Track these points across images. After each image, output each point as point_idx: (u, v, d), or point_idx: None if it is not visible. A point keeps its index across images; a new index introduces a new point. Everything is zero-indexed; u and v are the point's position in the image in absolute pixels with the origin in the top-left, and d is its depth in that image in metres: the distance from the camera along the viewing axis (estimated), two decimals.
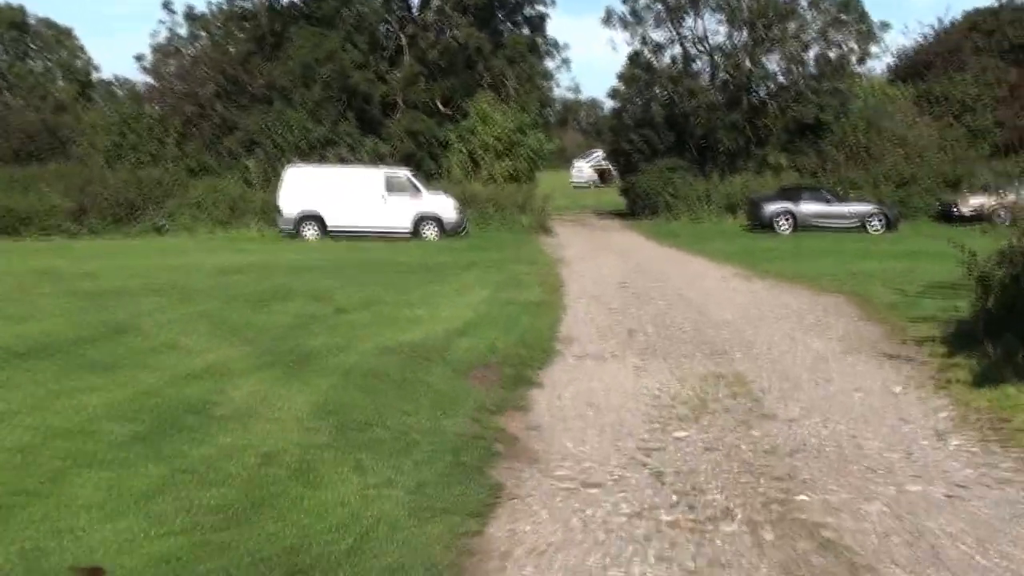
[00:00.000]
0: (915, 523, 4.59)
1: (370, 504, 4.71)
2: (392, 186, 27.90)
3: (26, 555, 4.03)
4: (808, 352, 9.20)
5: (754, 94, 40.79)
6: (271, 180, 30.82)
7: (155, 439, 5.73)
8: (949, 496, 4.94)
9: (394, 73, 38.39)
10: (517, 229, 31.07)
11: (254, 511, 4.57)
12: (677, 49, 41.79)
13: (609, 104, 48.30)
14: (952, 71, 39.49)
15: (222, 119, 39.39)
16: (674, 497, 4.99)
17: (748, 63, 39.61)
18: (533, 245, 25.91)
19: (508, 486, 5.10)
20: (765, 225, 29.73)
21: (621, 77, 43.86)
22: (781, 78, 40.26)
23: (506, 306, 12.46)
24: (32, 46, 70.25)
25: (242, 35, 41.12)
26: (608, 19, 41.66)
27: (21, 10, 65.86)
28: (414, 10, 39.96)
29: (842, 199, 30.61)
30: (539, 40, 41.38)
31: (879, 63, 52.93)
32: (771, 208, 29.90)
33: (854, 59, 39.07)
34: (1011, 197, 25.91)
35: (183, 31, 42.51)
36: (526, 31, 41.15)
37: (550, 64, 42.60)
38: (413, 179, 28.42)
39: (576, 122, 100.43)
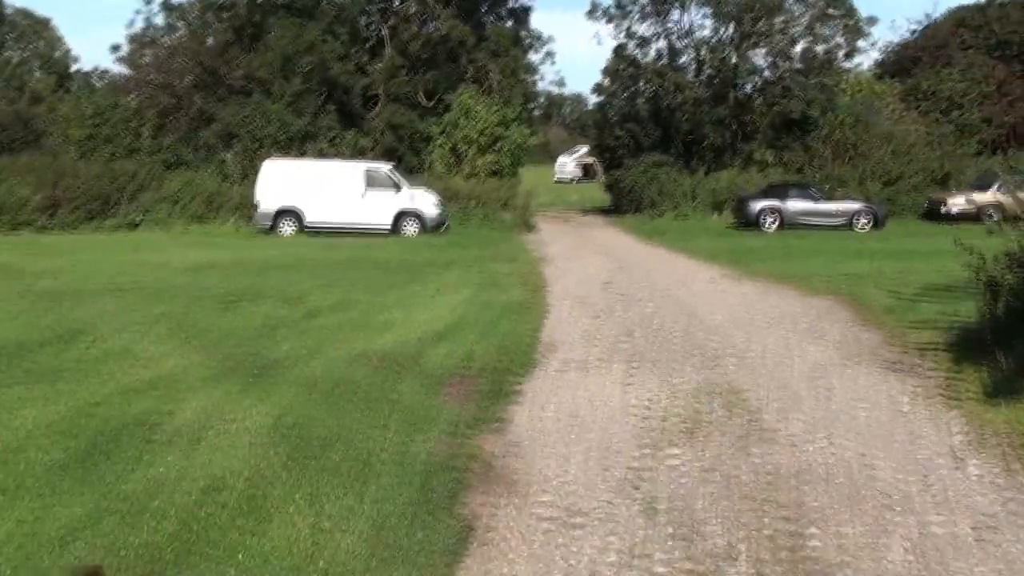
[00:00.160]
0: (944, 570, 4.04)
1: (322, 547, 4.13)
2: (372, 181, 27.23)
3: None
4: (805, 360, 8.65)
5: (740, 89, 40.29)
6: (249, 174, 30.01)
7: (87, 464, 5.12)
8: (978, 534, 4.39)
9: (375, 65, 37.68)
10: (499, 226, 30.45)
11: (187, 556, 3.98)
12: (663, 43, 41.20)
13: (593, 99, 47.75)
14: (939, 67, 39.16)
15: (199, 111, 38.52)
16: (669, 532, 4.42)
17: (734, 57, 39.11)
18: (516, 242, 25.32)
19: (482, 521, 4.52)
20: (751, 223, 29.24)
21: (606, 71, 43.30)
22: (767, 73, 39.78)
23: (486, 308, 11.86)
24: (9, 37, 69.11)
25: (220, 25, 40.27)
26: (593, 11, 41.02)
27: None
28: (396, 1, 39.21)
29: (829, 196, 30.16)
30: (523, 33, 40.75)
31: (866, 58, 52.62)
32: (757, 205, 29.40)
33: (841, 54, 38.63)
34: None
35: (160, 20, 41.62)
36: (510, 24, 40.50)
37: (534, 57, 42.02)
38: (393, 174, 27.76)
39: (560, 117, 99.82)
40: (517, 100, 37.59)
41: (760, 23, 38.48)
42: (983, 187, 30.73)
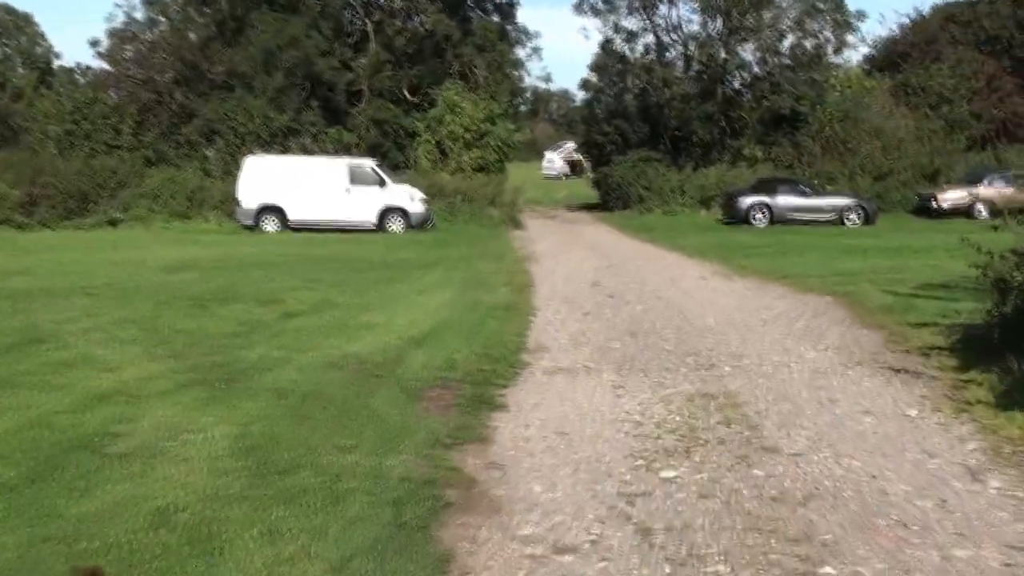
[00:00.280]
0: None
1: None
2: (356, 177, 26.81)
3: None
4: (804, 365, 8.24)
5: (729, 84, 40.00)
6: (231, 170, 29.51)
7: (29, 488, 4.67)
8: (1008, 566, 3.98)
9: (359, 60, 37.14)
10: (486, 222, 30.04)
11: None
12: (650, 38, 40.98)
13: (581, 96, 47.37)
14: (929, 62, 38.88)
15: (181, 107, 37.99)
16: (667, 569, 3.99)
17: (723, 52, 38.78)
18: (502, 239, 24.88)
19: (459, 555, 4.08)
20: (741, 219, 28.94)
21: (593, 66, 42.92)
22: (756, 68, 39.50)
23: (470, 310, 11.43)
24: None
25: (202, 20, 39.64)
26: (580, 6, 40.73)
27: None
28: None
29: (819, 192, 29.87)
30: (509, 28, 40.28)
31: (855, 54, 52.31)
32: (747, 201, 29.09)
33: (830, 49, 38.43)
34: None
35: (140, 15, 40.96)
36: (496, 18, 40.01)
37: (520, 53, 41.57)
38: (378, 170, 27.31)
39: (548, 114, 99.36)
40: (503, 95, 37.15)
41: (748, 18, 38.17)
42: (973, 182, 30.51)
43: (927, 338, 9.24)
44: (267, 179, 26.53)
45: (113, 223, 28.72)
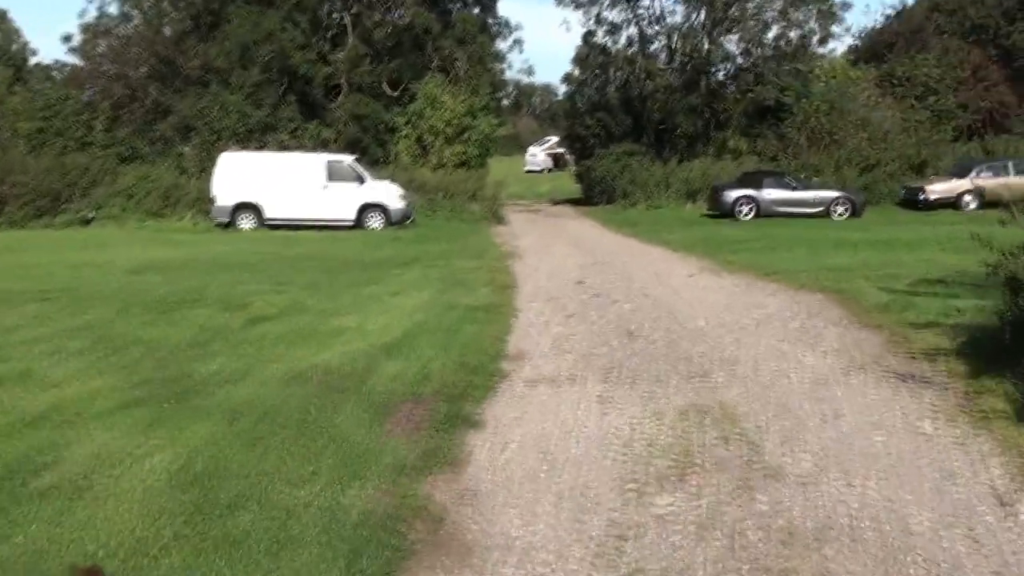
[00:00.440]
0: None
1: None
2: (334, 173, 26.19)
3: None
4: (803, 372, 7.69)
5: (713, 76, 39.49)
6: (207, 167, 28.76)
7: None
8: None
9: (337, 54, 36.45)
10: (468, 218, 29.47)
11: None
12: (633, 29, 40.39)
13: (564, 90, 46.78)
14: (914, 52, 38.49)
15: (155, 103, 37.25)
16: None
17: (707, 44, 38.27)
18: (484, 235, 24.28)
19: None
20: (726, 212, 28.47)
21: (576, 59, 42.33)
22: (740, 59, 38.99)
23: (447, 312, 10.82)
24: None
25: (177, 14, 38.86)
26: None
27: None
28: None
29: (806, 185, 29.41)
30: (490, 20, 39.65)
31: (840, 44, 51.92)
32: (732, 195, 28.61)
33: (815, 40, 37.96)
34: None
35: (114, 9, 40.11)
36: (476, 11, 39.35)
37: (501, 45, 40.99)
38: (356, 166, 26.68)
39: (530, 108, 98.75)
40: (485, 89, 36.53)
41: (732, 8, 37.69)
42: (961, 174, 30.13)
43: (931, 340, 8.71)
44: (242, 176, 25.91)
45: (85, 222, 28.02)
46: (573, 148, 45.82)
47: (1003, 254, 7.52)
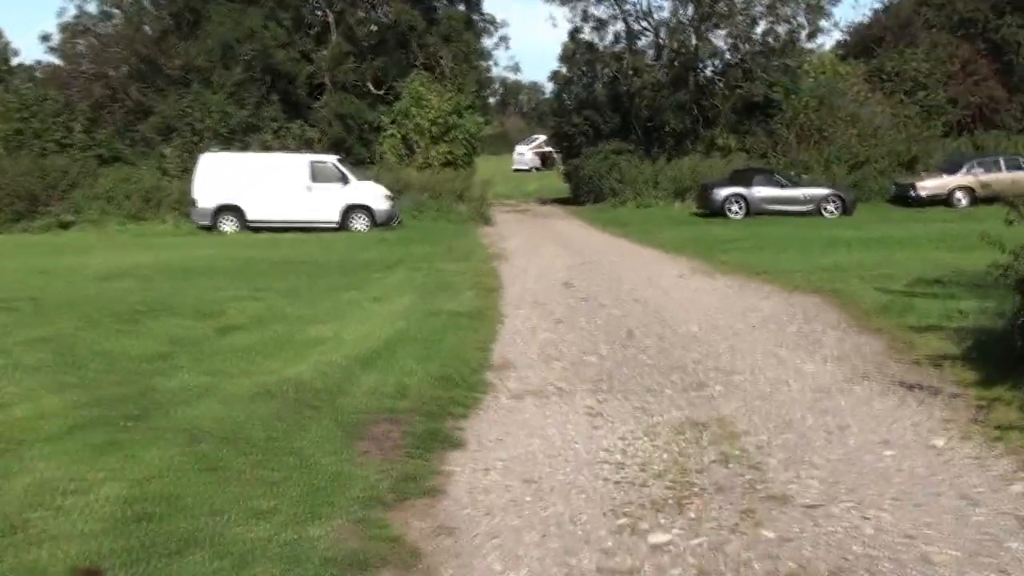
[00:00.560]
0: None
1: None
2: (318, 174, 25.70)
3: None
4: (803, 381, 7.28)
5: (701, 72, 39.12)
6: (189, 168, 28.19)
7: None
8: None
9: (321, 52, 35.93)
10: (455, 218, 29.01)
11: None
12: (620, 25, 39.96)
13: (551, 88, 46.36)
14: (903, 47, 38.18)
15: (136, 103, 36.62)
16: None
17: (694, 39, 37.88)
18: (471, 236, 23.84)
19: None
20: (716, 211, 28.09)
21: (562, 57, 41.90)
22: (728, 55, 38.63)
23: (430, 318, 10.38)
24: None
25: (157, 12, 38.28)
26: None
27: None
28: None
29: (796, 182, 29.06)
30: (475, 17, 39.18)
31: (829, 39, 51.51)
32: (722, 193, 28.23)
33: (804, 35, 37.61)
34: None
35: (93, 8, 39.45)
36: (461, 7, 38.87)
37: (487, 42, 40.53)
38: (340, 166, 26.20)
39: (518, 106, 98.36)
40: (470, 87, 36.07)
41: (720, 3, 37.31)
42: (952, 170, 29.83)
43: (935, 345, 8.32)
44: (224, 177, 25.39)
45: (64, 226, 27.50)
46: (561, 146, 45.40)
47: (1015, 255, 7.10)
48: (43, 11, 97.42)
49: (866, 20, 43.83)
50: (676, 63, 38.68)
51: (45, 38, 39.68)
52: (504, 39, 57.04)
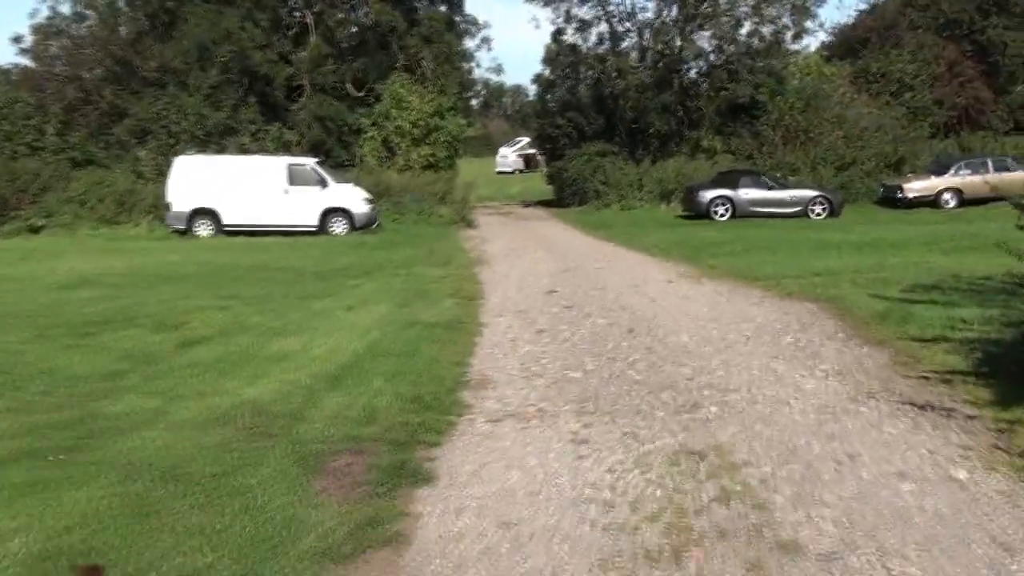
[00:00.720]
0: None
1: None
2: (295, 177, 25.10)
3: None
4: (805, 400, 6.73)
5: (685, 74, 38.67)
6: (165, 172, 27.53)
7: None
8: None
9: (299, 53, 35.25)
10: (436, 222, 28.42)
11: None
12: (604, 26, 39.43)
13: (534, 90, 45.82)
14: (888, 48, 37.86)
15: (110, 105, 35.85)
16: None
17: (679, 40, 37.42)
18: (452, 240, 23.26)
19: None
20: (702, 213, 27.65)
21: (546, 58, 41.35)
22: (713, 56, 38.18)
23: (405, 330, 9.79)
24: None
25: (132, 13, 37.50)
26: None
27: None
28: None
29: (782, 184, 28.64)
30: (457, 18, 38.60)
31: (814, 40, 51.14)
32: (708, 195, 27.80)
33: (789, 36, 37.21)
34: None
35: (66, 9, 38.64)
36: (443, 8, 38.29)
37: (469, 44, 39.95)
38: (319, 169, 25.58)
39: (501, 108, 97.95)
40: (452, 89, 35.47)
41: (705, 4, 36.87)
42: (939, 171, 29.49)
43: (942, 358, 7.79)
44: (199, 180, 24.81)
45: (35, 230, 26.71)
46: (544, 149, 44.86)
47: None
48: (15, 12, 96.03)
49: (851, 21, 43.50)
50: (660, 64, 38.20)
51: (17, 40, 38.79)
52: (486, 40, 56.44)
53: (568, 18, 39.21)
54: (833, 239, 19.83)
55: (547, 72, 41.56)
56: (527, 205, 39.38)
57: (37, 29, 38.76)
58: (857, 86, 35.76)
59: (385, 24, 34.97)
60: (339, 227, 25.06)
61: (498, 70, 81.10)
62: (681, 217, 28.89)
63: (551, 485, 5.05)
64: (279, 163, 25.71)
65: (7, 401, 6.59)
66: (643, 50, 39.03)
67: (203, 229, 24.92)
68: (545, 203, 38.50)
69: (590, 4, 38.88)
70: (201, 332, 9.63)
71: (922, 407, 6.41)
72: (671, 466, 5.31)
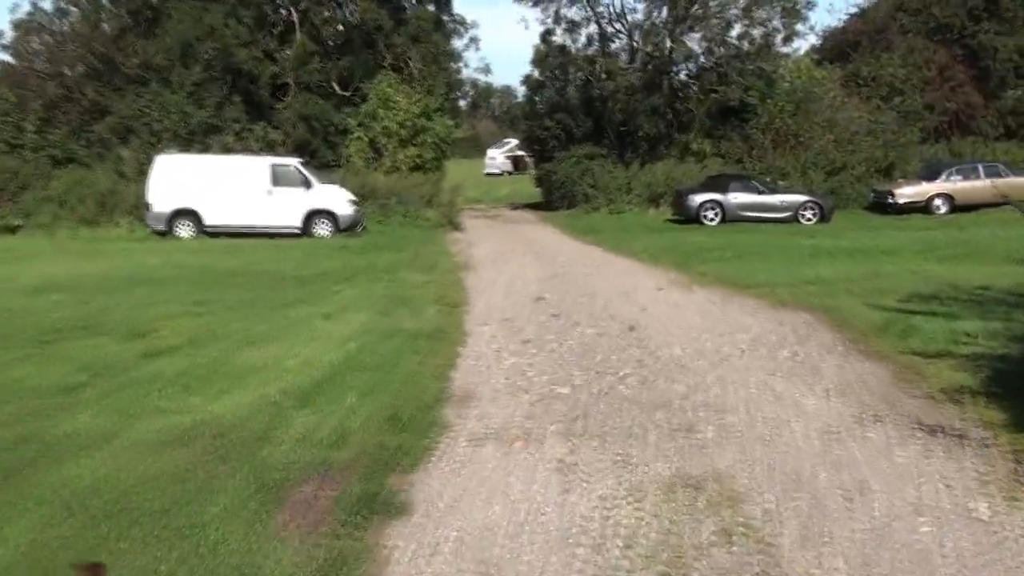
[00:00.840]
0: None
1: None
2: (279, 178, 24.62)
3: None
4: (807, 422, 6.31)
5: (675, 76, 38.31)
6: (147, 171, 27.01)
7: None
8: None
9: (284, 52, 34.71)
10: (423, 224, 27.96)
11: None
12: (593, 27, 39.08)
13: (523, 91, 45.41)
14: (879, 52, 37.58)
15: (92, 103, 35.22)
16: None
17: (668, 42, 37.06)
18: (438, 244, 22.82)
19: None
20: (691, 217, 27.28)
21: (534, 60, 40.94)
22: (703, 59, 37.85)
23: (385, 340, 9.34)
24: None
25: (115, 9, 36.89)
26: None
27: None
28: None
29: (773, 188, 28.30)
30: (445, 17, 38.12)
31: (804, 43, 50.96)
32: (698, 199, 27.43)
33: (779, 38, 36.91)
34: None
35: (48, 5, 37.98)
36: (431, 8, 37.78)
37: (457, 44, 39.47)
38: (303, 170, 25.09)
39: (490, 110, 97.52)
40: (440, 89, 34.96)
41: (695, 6, 36.53)
42: (930, 177, 29.22)
43: (948, 375, 7.40)
44: (181, 180, 24.31)
45: (12, 230, 26.13)
46: (532, 151, 44.45)
47: None
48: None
49: (841, 25, 43.22)
50: (650, 66, 37.83)
51: None
52: (474, 40, 56.20)
53: (557, 19, 38.87)
54: (825, 245, 19.48)
55: (536, 73, 41.17)
56: (515, 208, 38.96)
57: (18, 25, 38.11)
58: (848, 90, 35.42)
59: (372, 22, 34.47)
60: (323, 229, 24.62)
61: (486, 70, 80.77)
62: (670, 221, 28.53)
63: (536, 520, 4.61)
64: (262, 163, 25.23)
65: None
66: (632, 52, 38.67)
67: (184, 230, 24.44)
68: (533, 206, 38.09)
69: (579, 5, 38.56)
70: (170, 341, 9.15)
71: (932, 430, 6.00)
72: (666, 497, 4.87)
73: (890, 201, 28.86)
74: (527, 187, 42.46)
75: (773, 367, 8.11)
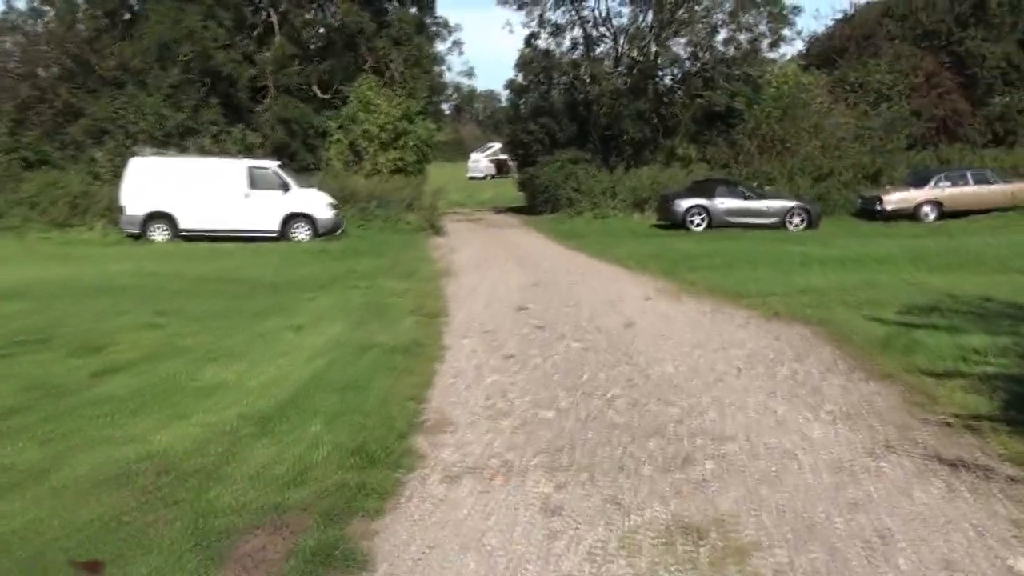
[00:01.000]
0: None
1: None
2: (256, 181, 24.03)
3: None
4: (815, 454, 5.76)
5: (661, 80, 37.89)
6: (121, 173, 26.30)
7: None
8: None
9: (263, 54, 34.04)
10: (404, 228, 27.38)
11: None
12: (578, 31, 38.62)
13: (507, 95, 44.93)
14: (866, 58, 37.27)
15: (66, 104, 34.40)
16: None
17: (654, 47, 36.62)
18: (419, 249, 22.23)
19: None
20: (677, 223, 26.80)
21: (518, 64, 40.46)
22: (689, 63, 37.43)
23: (358, 356, 8.73)
24: None
25: (91, 11, 36.11)
26: None
27: None
28: None
29: (760, 194, 27.87)
30: (427, 20, 37.54)
31: (791, 49, 50.58)
32: (684, 204, 26.96)
33: (766, 44, 36.54)
34: None
35: (22, 4, 37.21)
36: (413, 10, 37.19)
37: (440, 47, 38.90)
38: (281, 173, 24.48)
39: (473, 114, 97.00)
40: (422, 92, 34.40)
41: (681, 10, 36.13)
42: (918, 184, 28.85)
43: (961, 397, 6.88)
44: (155, 183, 23.70)
45: None
46: (516, 155, 43.94)
47: None
48: None
49: (827, 31, 42.88)
50: (635, 71, 37.40)
51: None
52: (458, 43, 55.87)
53: (542, 22, 38.42)
54: (815, 253, 19.02)
55: (520, 77, 40.68)
56: (498, 212, 38.42)
57: None
58: (835, 95, 35.08)
59: (353, 25, 33.87)
60: (301, 233, 24.06)
61: (470, 74, 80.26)
62: (656, 226, 28.07)
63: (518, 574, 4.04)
64: (239, 165, 24.62)
65: None
66: (618, 56, 38.22)
67: (158, 234, 23.85)
68: (516, 210, 37.55)
69: (564, 8, 38.10)
70: (126, 356, 8.53)
71: (953, 465, 5.46)
72: (664, 549, 4.30)
73: (878, 208, 28.46)
74: (510, 191, 41.91)
75: (772, 387, 7.57)
